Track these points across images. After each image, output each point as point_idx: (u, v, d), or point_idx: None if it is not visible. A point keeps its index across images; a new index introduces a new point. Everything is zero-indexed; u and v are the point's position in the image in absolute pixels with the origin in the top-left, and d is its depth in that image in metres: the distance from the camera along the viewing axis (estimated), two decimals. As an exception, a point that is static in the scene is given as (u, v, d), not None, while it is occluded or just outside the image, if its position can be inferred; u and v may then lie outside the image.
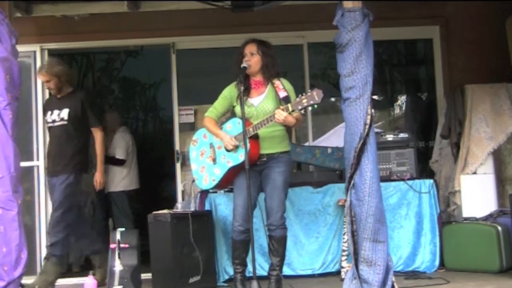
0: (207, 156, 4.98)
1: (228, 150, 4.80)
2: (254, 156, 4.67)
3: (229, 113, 5.02)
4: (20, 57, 4.78)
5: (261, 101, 4.80)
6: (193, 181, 5.33)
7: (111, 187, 7.14)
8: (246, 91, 4.77)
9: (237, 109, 4.82)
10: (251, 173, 4.60)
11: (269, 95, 4.82)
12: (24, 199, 4.68)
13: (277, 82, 4.80)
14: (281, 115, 4.50)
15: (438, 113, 6.88)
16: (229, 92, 4.90)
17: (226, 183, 4.99)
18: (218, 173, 4.87)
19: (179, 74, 6.78)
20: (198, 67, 7.04)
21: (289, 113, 4.53)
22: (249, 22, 6.29)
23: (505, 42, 6.57)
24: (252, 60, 4.79)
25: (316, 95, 4.44)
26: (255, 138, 4.68)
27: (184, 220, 5.24)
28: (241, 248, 4.82)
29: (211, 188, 5.11)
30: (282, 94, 4.70)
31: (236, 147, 4.70)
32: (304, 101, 4.48)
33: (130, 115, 11.40)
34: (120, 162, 7.09)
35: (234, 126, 4.78)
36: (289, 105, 4.53)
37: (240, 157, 4.66)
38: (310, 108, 4.51)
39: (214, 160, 4.91)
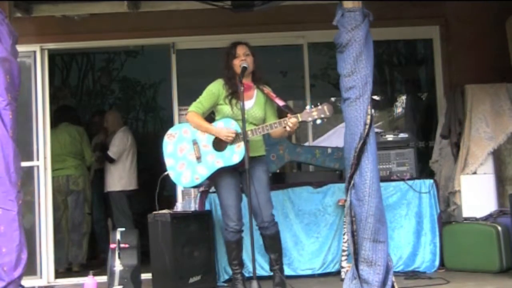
0: (188, 152, 4.82)
1: (217, 149, 4.73)
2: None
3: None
4: (20, 57, 4.78)
5: (251, 106, 4.79)
6: (166, 174, 5.20)
7: (110, 186, 7.15)
8: (235, 93, 4.73)
9: (225, 109, 4.79)
10: (233, 173, 4.64)
11: (258, 101, 4.83)
12: (24, 199, 4.68)
13: (266, 90, 4.82)
14: (295, 124, 4.53)
15: (438, 113, 6.88)
16: (217, 89, 4.85)
17: (208, 181, 4.99)
18: (204, 172, 4.75)
19: (179, 74, 6.77)
20: (198, 67, 7.02)
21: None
22: (249, 22, 6.29)
23: (505, 42, 6.56)
24: (248, 59, 4.79)
25: (327, 110, 4.50)
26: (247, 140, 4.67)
27: (184, 220, 5.24)
28: (238, 248, 4.83)
29: (192, 187, 5.04)
30: (281, 102, 4.73)
31: (234, 140, 4.66)
32: (314, 113, 4.52)
33: (130, 115, 11.39)
34: (109, 159, 7.09)
35: (226, 126, 4.75)
36: (298, 115, 4.54)
37: (233, 158, 4.65)
38: (319, 122, 4.53)
39: (198, 158, 4.78)
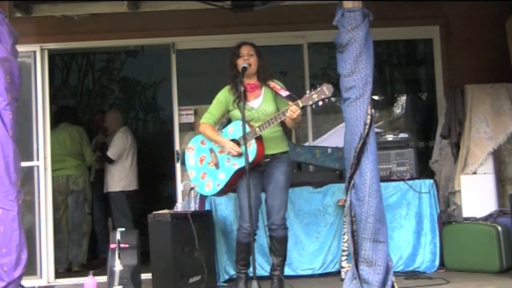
0: (207, 161, 4.91)
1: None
2: (260, 156, 4.69)
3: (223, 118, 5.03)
4: (20, 57, 4.78)
5: (260, 104, 4.80)
6: (192, 188, 5.30)
7: (110, 187, 7.15)
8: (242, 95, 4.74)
9: (235, 113, 4.81)
10: (254, 174, 4.62)
11: (267, 97, 4.82)
12: (24, 199, 4.69)
13: (272, 83, 4.81)
14: (296, 111, 4.48)
15: (438, 113, 6.88)
16: (224, 97, 4.89)
17: (230, 187, 4.93)
18: (223, 177, 4.81)
19: (179, 74, 6.77)
20: (198, 67, 7.03)
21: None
22: (249, 22, 6.29)
23: (505, 42, 6.56)
24: (251, 60, 4.79)
25: (326, 90, 4.46)
26: (259, 138, 4.69)
27: (184, 220, 5.24)
28: (247, 250, 4.79)
29: (215, 194, 5.01)
30: (285, 93, 4.70)
31: (241, 154, 4.66)
32: (315, 96, 4.48)
33: (130, 115, 11.41)
34: (108, 160, 7.09)
35: (236, 129, 4.76)
36: (298, 101, 4.52)
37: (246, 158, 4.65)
38: (320, 103, 4.50)
39: (216, 165, 4.85)
